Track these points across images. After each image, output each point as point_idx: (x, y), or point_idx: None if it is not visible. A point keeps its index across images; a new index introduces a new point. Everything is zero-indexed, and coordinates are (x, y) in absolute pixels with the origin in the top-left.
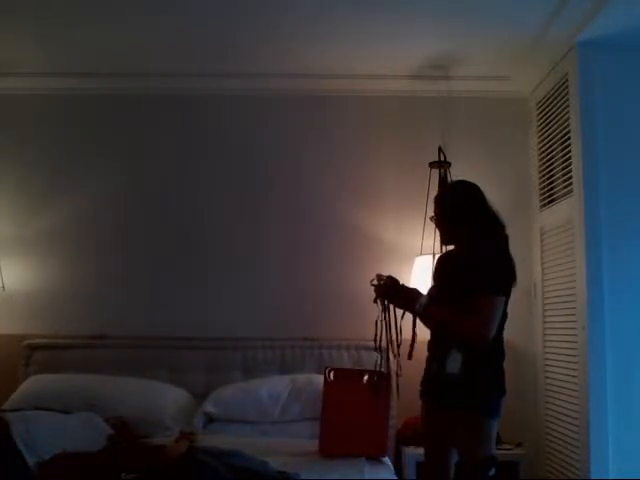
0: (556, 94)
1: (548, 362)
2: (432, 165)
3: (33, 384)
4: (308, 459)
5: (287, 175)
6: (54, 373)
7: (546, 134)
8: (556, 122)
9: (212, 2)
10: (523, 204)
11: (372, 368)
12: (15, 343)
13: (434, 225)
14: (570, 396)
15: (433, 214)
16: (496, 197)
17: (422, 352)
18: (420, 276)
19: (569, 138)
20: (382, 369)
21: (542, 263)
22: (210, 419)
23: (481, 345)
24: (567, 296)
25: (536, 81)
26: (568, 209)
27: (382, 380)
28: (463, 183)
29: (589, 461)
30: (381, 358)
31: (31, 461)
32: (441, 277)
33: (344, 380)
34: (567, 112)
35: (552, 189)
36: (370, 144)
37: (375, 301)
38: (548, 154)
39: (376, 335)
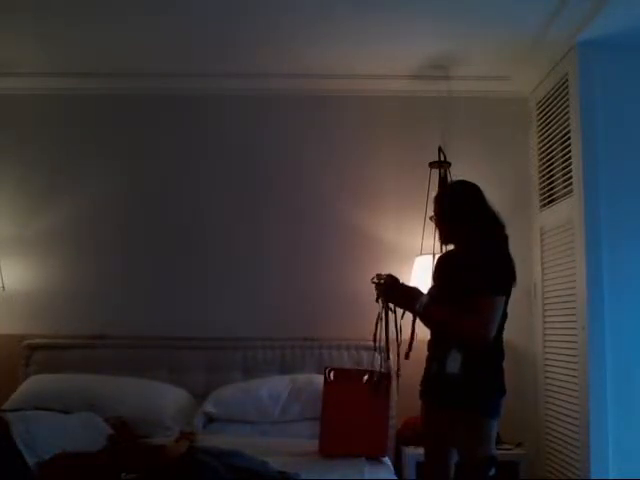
0: (556, 94)
1: (548, 362)
2: (432, 165)
3: (33, 384)
4: (308, 459)
5: (287, 175)
6: (54, 373)
7: (546, 134)
8: (556, 122)
9: (212, 2)
10: (523, 204)
11: (372, 368)
12: (15, 343)
13: (434, 225)
14: (570, 396)
15: (433, 214)
16: (496, 197)
17: (422, 352)
18: (420, 276)
19: (569, 138)
20: (382, 369)
21: (542, 263)
22: (210, 419)
23: (481, 345)
24: (567, 296)
25: (536, 81)
26: (568, 209)
27: (382, 380)
28: (463, 183)
29: (589, 461)
30: (381, 358)
31: (31, 461)
32: (441, 277)
33: (344, 380)
34: (567, 112)
35: (552, 189)
36: (370, 144)
37: (377, 300)
38: (548, 154)
39: (375, 335)
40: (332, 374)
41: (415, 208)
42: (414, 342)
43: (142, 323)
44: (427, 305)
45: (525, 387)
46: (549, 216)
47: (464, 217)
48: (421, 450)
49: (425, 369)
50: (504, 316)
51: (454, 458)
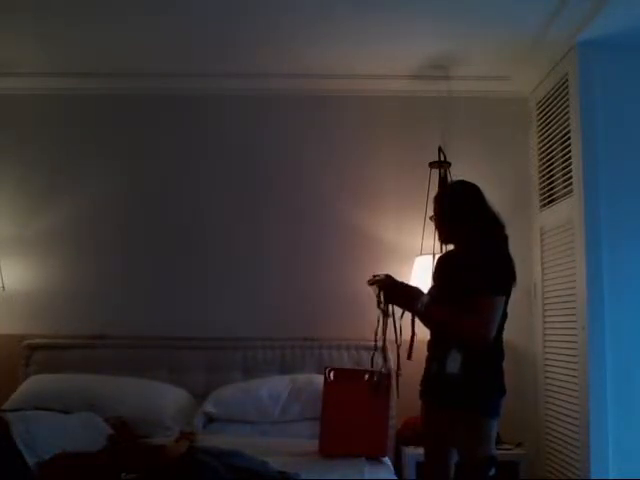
0: (556, 94)
1: (548, 362)
2: (432, 165)
3: (33, 384)
4: (308, 459)
5: (287, 175)
6: (54, 373)
7: (546, 134)
8: (556, 122)
9: (212, 2)
10: (523, 204)
11: (372, 368)
12: (15, 343)
13: (434, 225)
14: (570, 396)
15: (433, 214)
16: (496, 197)
17: (422, 352)
18: (420, 276)
19: (569, 138)
20: (382, 369)
21: (542, 263)
22: (210, 419)
23: (482, 345)
24: (567, 296)
25: (536, 81)
26: (568, 209)
27: (382, 380)
28: (463, 183)
29: (589, 461)
30: (383, 358)
31: (31, 461)
32: (441, 277)
33: (344, 380)
34: (567, 112)
35: (552, 189)
36: (370, 144)
37: (379, 305)
38: (548, 154)
39: (376, 334)
40: (332, 374)
41: (415, 208)
42: (414, 342)
43: (142, 323)
44: (428, 305)
45: (525, 387)
46: (549, 216)
47: (464, 217)
48: (421, 450)
49: (425, 369)
50: (504, 316)
51: (454, 458)
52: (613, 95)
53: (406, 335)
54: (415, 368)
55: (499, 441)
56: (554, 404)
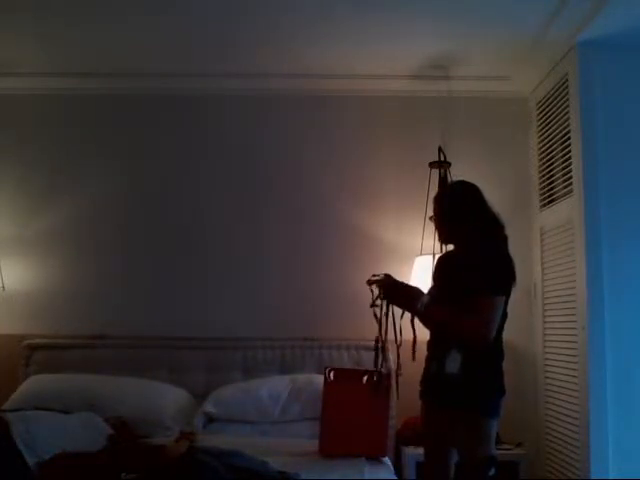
0: (556, 94)
1: (548, 362)
2: (432, 165)
3: (33, 384)
4: (308, 459)
5: (287, 175)
6: (54, 373)
7: (546, 134)
8: (556, 122)
9: (212, 2)
10: (523, 204)
11: (372, 368)
12: (15, 343)
13: (434, 225)
14: (570, 396)
15: (433, 214)
16: (496, 197)
17: (422, 352)
18: (420, 276)
19: (569, 138)
20: (382, 369)
21: (542, 263)
22: (210, 419)
23: (482, 345)
24: (567, 296)
25: (536, 81)
26: (568, 209)
27: (382, 380)
28: (462, 183)
29: (589, 461)
30: (383, 358)
31: (31, 461)
32: (441, 277)
33: (344, 380)
34: (567, 112)
35: (552, 189)
36: (370, 144)
37: (373, 303)
38: (548, 154)
39: (379, 334)
40: (332, 374)
41: (415, 208)
42: (416, 343)
43: (142, 323)
44: (427, 305)
45: (525, 387)
46: (549, 216)
47: (464, 217)
48: (421, 450)
49: (425, 369)
50: (504, 316)
51: (454, 458)
52: (613, 95)
53: (406, 335)
54: (415, 368)
55: (499, 441)
56: (554, 404)
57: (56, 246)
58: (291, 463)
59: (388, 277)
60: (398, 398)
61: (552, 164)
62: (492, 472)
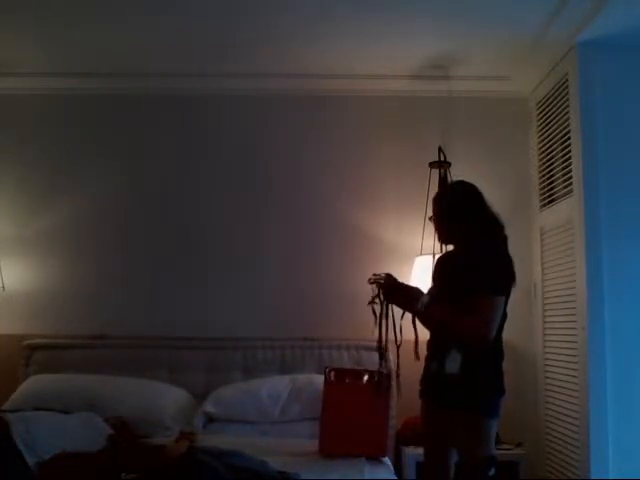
0: (556, 94)
1: (548, 362)
2: (432, 165)
3: (33, 384)
4: (308, 459)
5: (287, 175)
6: (54, 373)
7: (546, 134)
8: (556, 122)
9: (212, 2)
10: (523, 204)
11: (372, 368)
12: (15, 343)
13: (433, 225)
14: (570, 396)
15: (432, 214)
16: (496, 197)
17: (422, 352)
18: (420, 276)
19: (569, 138)
20: (382, 369)
21: (542, 263)
22: (210, 419)
23: (482, 345)
24: (567, 296)
25: (536, 81)
26: (568, 209)
27: (382, 380)
28: (462, 183)
29: (589, 461)
30: (383, 358)
31: (31, 461)
32: (441, 277)
33: (344, 380)
34: (567, 112)
35: (552, 189)
36: (370, 144)
37: (372, 302)
38: (548, 154)
39: (380, 335)
40: (332, 374)
41: (415, 208)
42: (418, 342)
43: (142, 323)
44: (428, 305)
45: (525, 387)
46: (549, 216)
47: (463, 217)
48: (421, 450)
49: (424, 369)
50: (504, 316)
51: (454, 458)
52: (613, 95)
53: (406, 335)
54: (415, 368)
55: (499, 441)
56: (554, 404)
57: (56, 246)
58: (291, 463)
59: (389, 277)
60: (401, 398)
61: (552, 164)
62: (492, 472)
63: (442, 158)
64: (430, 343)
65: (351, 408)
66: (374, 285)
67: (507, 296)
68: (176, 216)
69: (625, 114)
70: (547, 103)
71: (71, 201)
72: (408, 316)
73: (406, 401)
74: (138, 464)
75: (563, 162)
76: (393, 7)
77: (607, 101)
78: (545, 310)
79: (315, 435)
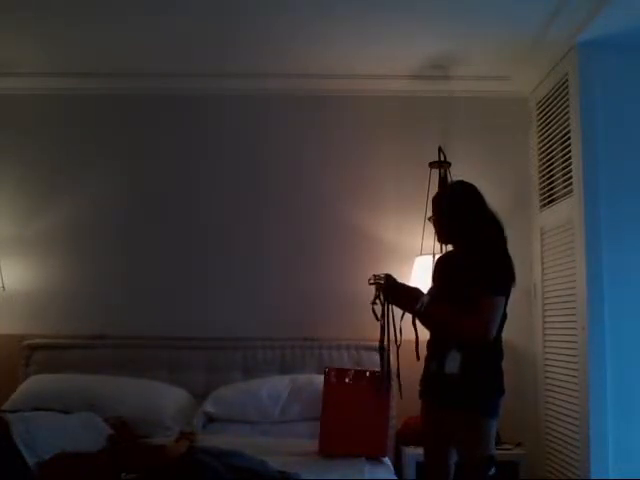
0: (556, 94)
1: (548, 362)
2: (432, 165)
3: (33, 384)
4: (308, 459)
5: (287, 175)
6: (54, 373)
7: (546, 134)
8: (556, 122)
9: (212, 2)
10: (523, 204)
11: (372, 368)
12: (15, 343)
13: (433, 225)
14: (570, 396)
15: (432, 215)
16: (496, 197)
17: (422, 352)
18: (420, 276)
19: (569, 138)
20: (383, 369)
21: (542, 263)
22: (210, 419)
23: (482, 345)
24: (567, 296)
25: (536, 81)
26: (568, 209)
27: (382, 380)
28: (462, 183)
29: (589, 461)
30: (383, 358)
31: (31, 461)
32: (441, 277)
33: (344, 380)
34: (567, 112)
35: (552, 189)
36: (370, 144)
37: (374, 301)
38: (548, 154)
39: (382, 335)
40: (332, 374)
41: (415, 208)
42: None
43: (142, 323)
44: (428, 305)
45: (525, 387)
46: (549, 216)
47: (463, 217)
48: (421, 450)
49: (424, 369)
50: (504, 316)
51: (454, 458)
52: (613, 95)
53: (406, 335)
54: (415, 368)
55: (499, 441)
56: (554, 404)
57: (56, 246)
58: (291, 463)
59: (389, 277)
60: (401, 398)
61: (552, 164)
62: (492, 472)
63: (442, 158)
64: (430, 343)
65: (351, 408)
66: (374, 286)
67: (507, 296)
68: (176, 216)
69: (625, 114)
70: (547, 103)
71: (71, 201)
72: (408, 316)
73: (406, 401)
74: (138, 464)
75: (563, 162)
76: (393, 7)
77: (607, 101)
78: (545, 310)
79: (315, 435)
